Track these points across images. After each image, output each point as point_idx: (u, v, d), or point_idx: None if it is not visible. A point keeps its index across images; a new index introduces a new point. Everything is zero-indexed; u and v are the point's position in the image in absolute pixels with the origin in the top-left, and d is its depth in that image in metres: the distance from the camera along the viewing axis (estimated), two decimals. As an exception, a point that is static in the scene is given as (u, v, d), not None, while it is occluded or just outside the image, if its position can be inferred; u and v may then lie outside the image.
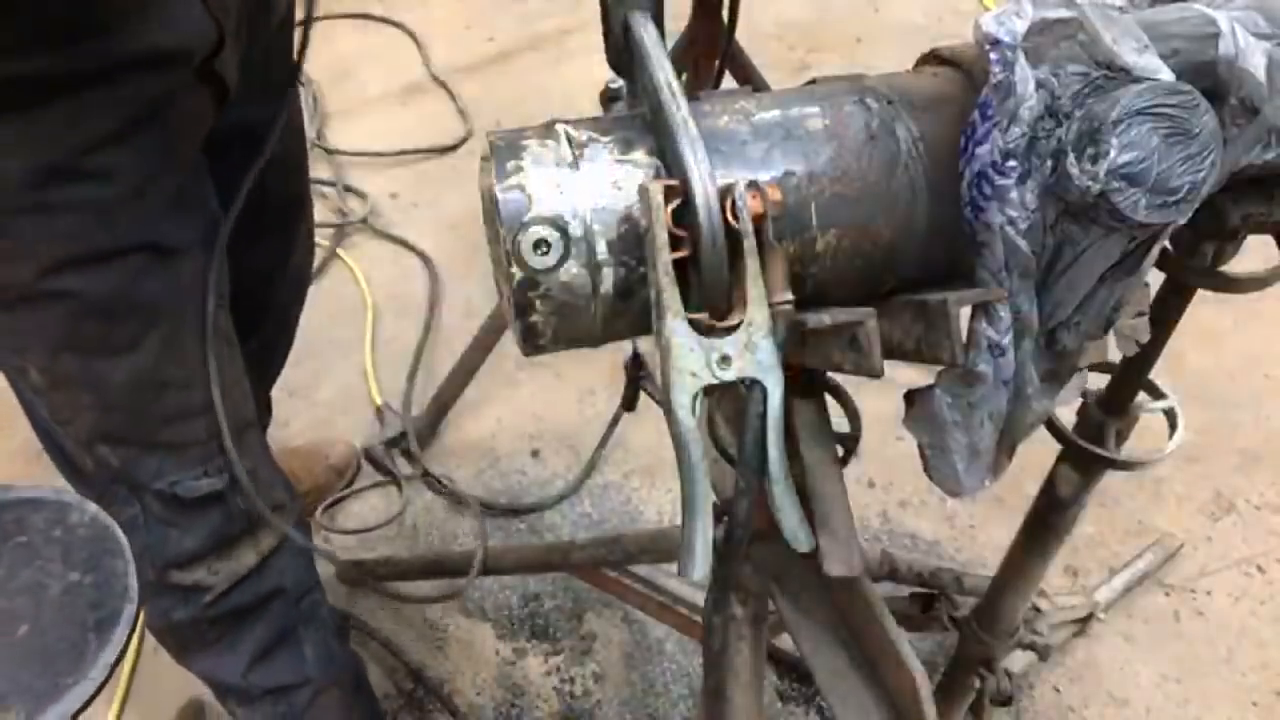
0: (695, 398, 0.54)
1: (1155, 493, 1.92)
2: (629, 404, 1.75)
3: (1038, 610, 1.40)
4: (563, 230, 0.56)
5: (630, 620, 1.74)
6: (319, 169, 2.59)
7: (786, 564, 0.88)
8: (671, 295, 0.54)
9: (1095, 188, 0.52)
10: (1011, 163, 0.55)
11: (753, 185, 0.55)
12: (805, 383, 0.71)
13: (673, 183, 0.55)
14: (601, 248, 0.57)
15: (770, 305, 0.55)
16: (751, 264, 0.54)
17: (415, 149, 2.64)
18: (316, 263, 2.19)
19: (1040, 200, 0.56)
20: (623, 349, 1.69)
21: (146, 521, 1.08)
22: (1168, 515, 1.90)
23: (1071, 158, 0.53)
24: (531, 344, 0.60)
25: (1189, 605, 1.77)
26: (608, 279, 0.57)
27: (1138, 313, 0.65)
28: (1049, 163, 0.55)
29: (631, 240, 0.57)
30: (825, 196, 0.59)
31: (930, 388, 0.63)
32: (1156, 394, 0.99)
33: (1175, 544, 1.82)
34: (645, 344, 1.55)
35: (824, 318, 0.58)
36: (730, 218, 0.54)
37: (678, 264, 0.54)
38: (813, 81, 0.68)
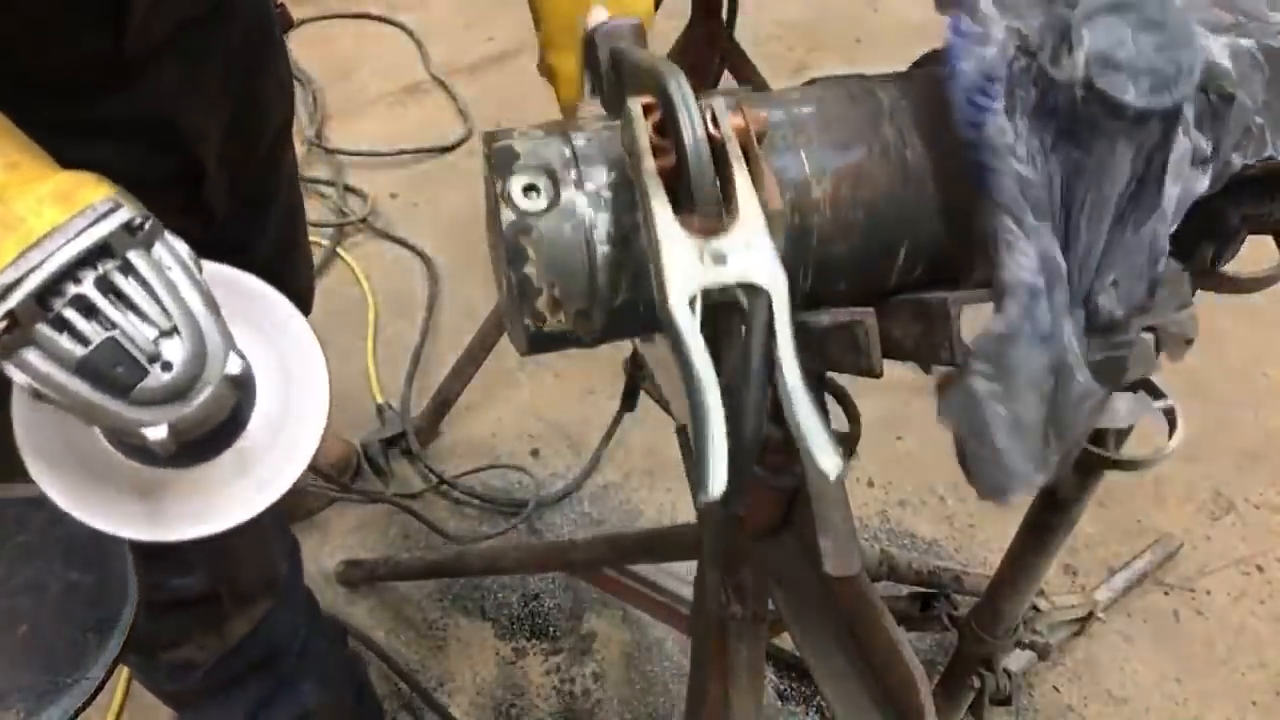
0: (694, 301, 0.48)
1: (1155, 493, 1.92)
2: (629, 404, 1.74)
3: (1037, 610, 1.40)
4: (551, 175, 0.55)
5: (630, 620, 1.74)
6: (319, 169, 2.59)
7: (786, 564, 0.88)
8: (656, 189, 0.50)
9: (1079, 76, 0.51)
10: (995, 85, 0.54)
11: (733, 102, 0.54)
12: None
13: (650, 100, 0.53)
14: (590, 189, 0.56)
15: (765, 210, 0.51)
16: (739, 170, 0.51)
17: (415, 149, 2.64)
18: (317, 263, 2.19)
19: (1035, 128, 0.54)
20: (623, 349, 1.69)
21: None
22: (1168, 515, 1.90)
23: (1047, 57, 0.52)
24: (529, 309, 0.57)
25: (1188, 605, 1.77)
26: (601, 224, 0.56)
27: (1180, 305, 0.63)
28: (1032, 91, 0.53)
29: (622, 184, 0.55)
30: (813, 145, 0.59)
31: (964, 364, 0.58)
32: (1156, 394, 0.98)
33: (1175, 544, 1.82)
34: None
35: (823, 317, 0.58)
36: (712, 128, 0.51)
37: (667, 190, 0.50)
38: (812, 81, 0.68)
